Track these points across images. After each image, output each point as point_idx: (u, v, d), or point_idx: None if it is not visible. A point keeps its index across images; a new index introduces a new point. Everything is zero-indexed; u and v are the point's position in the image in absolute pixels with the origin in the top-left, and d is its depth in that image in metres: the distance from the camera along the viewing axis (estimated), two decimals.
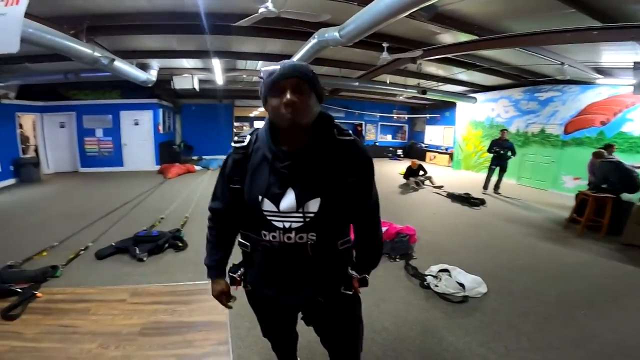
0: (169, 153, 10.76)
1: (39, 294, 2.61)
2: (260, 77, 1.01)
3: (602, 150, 5.67)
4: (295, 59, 5.31)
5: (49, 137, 9.68)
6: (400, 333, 2.34)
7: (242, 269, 1.23)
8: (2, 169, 7.76)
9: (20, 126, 9.07)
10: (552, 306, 2.82)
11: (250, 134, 1.14)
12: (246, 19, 3.56)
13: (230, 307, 1.29)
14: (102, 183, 8.24)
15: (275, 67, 0.97)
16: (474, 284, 3.09)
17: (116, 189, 7.43)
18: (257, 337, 2.21)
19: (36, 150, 9.84)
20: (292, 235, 1.05)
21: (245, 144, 1.12)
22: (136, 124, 10.27)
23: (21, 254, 3.56)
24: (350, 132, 1.10)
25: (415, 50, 5.16)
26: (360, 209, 1.14)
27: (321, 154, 1.04)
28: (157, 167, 10.07)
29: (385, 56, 5.11)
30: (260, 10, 3.29)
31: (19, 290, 2.61)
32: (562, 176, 8.28)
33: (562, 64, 5.96)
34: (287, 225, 1.04)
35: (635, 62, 4.46)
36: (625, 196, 4.98)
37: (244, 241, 1.18)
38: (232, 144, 1.14)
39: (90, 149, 10.00)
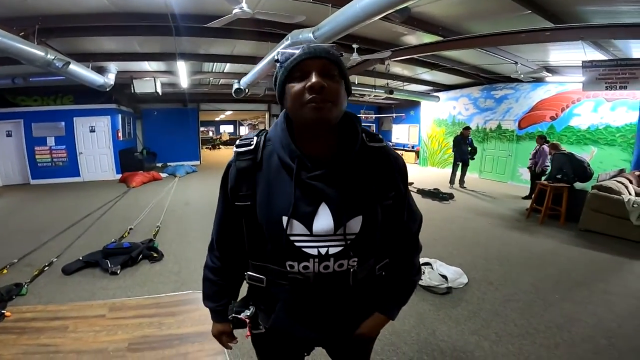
0: (131, 161, 10.20)
1: (7, 313, 2.39)
2: (277, 61, 0.83)
3: (557, 143, 6.14)
4: (266, 60, 5.27)
5: None
6: (395, 327, 2.38)
7: (251, 309, 0.97)
8: None
9: None
10: (530, 293, 3.00)
11: (257, 135, 0.91)
12: (219, 19, 3.47)
13: (230, 348, 1.11)
14: (58, 195, 7.65)
15: (294, 47, 0.80)
16: (456, 275, 3.21)
17: (75, 201, 6.94)
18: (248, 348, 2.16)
19: None
20: (331, 263, 0.83)
21: (252, 147, 0.88)
22: (92, 130, 9.65)
23: None
24: (381, 136, 0.92)
25: (384, 51, 5.29)
26: (403, 228, 0.98)
27: (353, 161, 0.85)
28: (119, 176, 9.54)
29: (355, 57, 5.19)
30: (235, 11, 3.21)
31: None
32: (519, 169, 8.85)
33: (516, 63, 6.39)
34: (322, 251, 0.82)
35: (583, 61, 4.86)
36: (578, 185, 5.43)
37: (257, 274, 0.92)
38: (235, 149, 0.90)
39: (41, 159, 9.23)
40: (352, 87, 8.67)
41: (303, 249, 0.82)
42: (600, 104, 7.20)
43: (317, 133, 0.82)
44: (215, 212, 0.99)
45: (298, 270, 0.84)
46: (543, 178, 6.29)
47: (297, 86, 0.78)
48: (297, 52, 0.79)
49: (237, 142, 0.92)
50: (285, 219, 0.81)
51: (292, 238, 0.82)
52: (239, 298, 1.05)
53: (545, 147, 6.64)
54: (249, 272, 0.95)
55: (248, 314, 0.96)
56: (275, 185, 0.84)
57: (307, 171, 0.81)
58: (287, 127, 0.85)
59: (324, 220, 0.81)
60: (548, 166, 6.48)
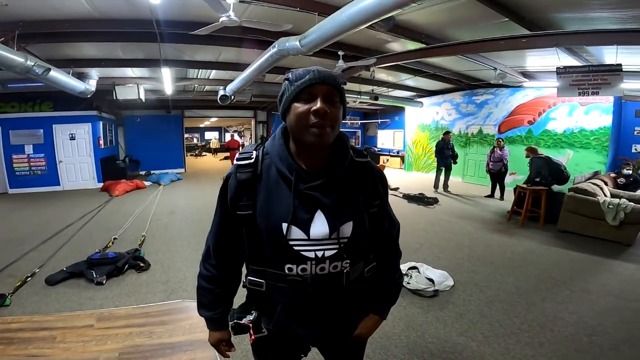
0: (113, 169, 9.99)
1: None
2: (287, 79, 0.89)
3: (535, 147, 6.35)
4: (252, 67, 5.29)
5: None
6: (386, 330, 2.42)
7: (253, 314, 1.01)
8: None
9: None
10: (513, 293, 3.09)
11: (255, 149, 0.98)
12: (205, 27, 3.48)
13: (228, 357, 1.13)
14: (38, 204, 7.42)
15: (305, 69, 0.87)
16: (442, 278, 3.29)
17: (56, 210, 6.75)
18: (245, 351, 2.17)
19: None
20: (326, 265, 0.92)
21: (252, 160, 0.94)
22: (72, 138, 9.40)
23: None
24: (365, 152, 1.03)
25: (369, 58, 5.38)
26: (385, 235, 1.07)
27: (344, 174, 0.94)
28: (100, 185, 9.30)
29: (340, 64, 5.26)
30: (222, 19, 3.23)
31: None
32: None
33: (495, 69, 6.60)
34: (319, 254, 0.90)
35: (557, 67, 5.05)
36: (556, 187, 5.63)
37: (256, 279, 0.98)
38: (236, 162, 0.96)
39: (19, 167, 8.96)
40: None
41: (301, 252, 0.90)
42: (575, 108, 7.51)
43: (313, 150, 0.91)
44: (212, 221, 1.04)
45: (297, 272, 0.92)
46: (522, 181, 6.48)
47: (302, 107, 0.85)
48: (307, 75, 0.85)
49: (237, 155, 0.99)
50: (284, 225, 0.89)
51: (291, 242, 0.90)
52: (234, 306, 1.09)
53: (506, 150, 7.46)
54: (249, 277, 1.01)
55: (251, 318, 1.00)
56: (275, 195, 0.92)
57: (303, 182, 0.90)
58: (285, 142, 0.94)
59: (320, 225, 0.90)
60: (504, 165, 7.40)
